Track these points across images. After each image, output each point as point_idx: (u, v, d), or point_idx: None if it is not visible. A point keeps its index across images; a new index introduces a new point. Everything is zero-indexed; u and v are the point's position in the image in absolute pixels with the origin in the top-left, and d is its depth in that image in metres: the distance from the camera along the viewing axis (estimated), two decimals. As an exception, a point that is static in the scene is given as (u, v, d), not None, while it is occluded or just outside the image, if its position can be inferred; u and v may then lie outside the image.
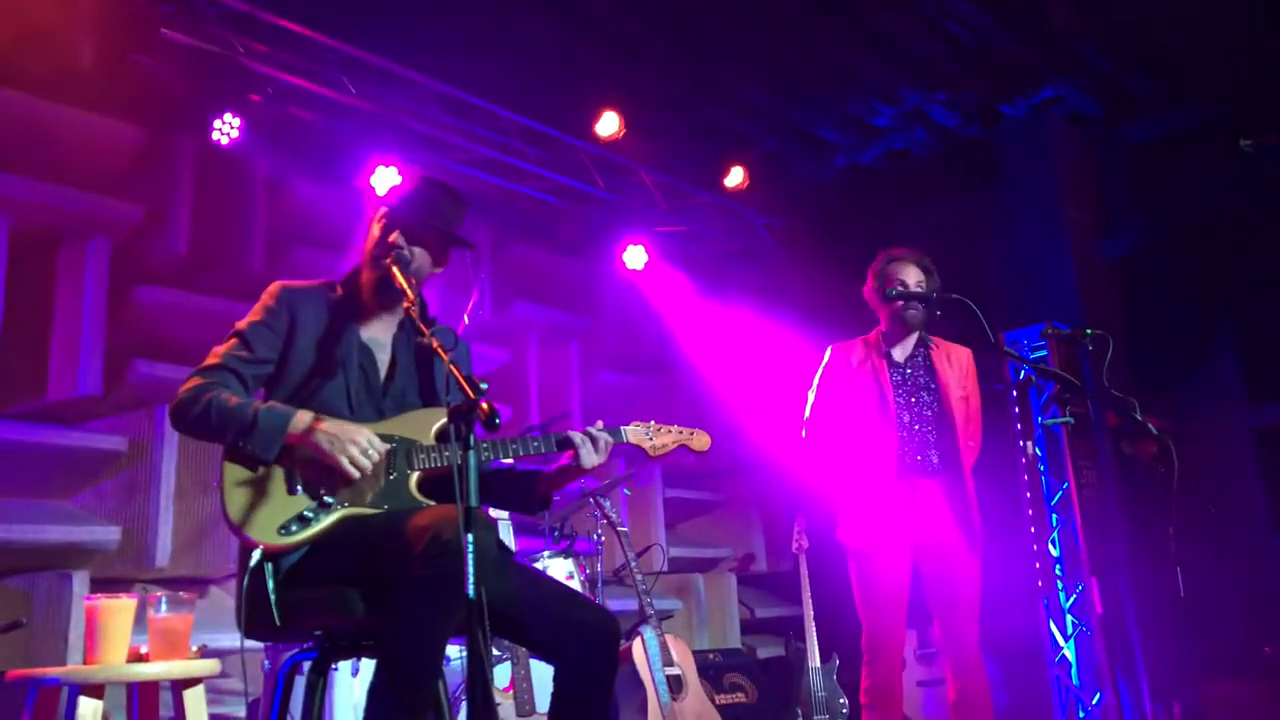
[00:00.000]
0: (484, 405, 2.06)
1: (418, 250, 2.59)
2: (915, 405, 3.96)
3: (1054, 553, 5.79)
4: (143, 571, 4.26)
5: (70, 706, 2.65)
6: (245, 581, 2.30)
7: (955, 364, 4.03)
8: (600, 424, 2.61)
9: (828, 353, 4.14)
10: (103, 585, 4.03)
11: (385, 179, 5.02)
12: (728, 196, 6.85)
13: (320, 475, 2.37)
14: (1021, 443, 5.83)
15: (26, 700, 2.69)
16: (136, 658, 2.84)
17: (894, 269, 3.97)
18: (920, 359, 4.03)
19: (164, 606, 2.87)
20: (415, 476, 2.47)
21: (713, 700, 4.89)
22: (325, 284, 2.64)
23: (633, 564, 4.74)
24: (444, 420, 2.46)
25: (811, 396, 4.13)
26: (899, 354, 4.04)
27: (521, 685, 4.14)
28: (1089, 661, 5.61)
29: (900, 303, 3.93)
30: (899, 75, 6.25)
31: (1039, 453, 5.89)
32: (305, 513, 2.36)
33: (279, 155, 4.88)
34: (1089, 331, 3.47)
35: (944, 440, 3.92)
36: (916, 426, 3.93)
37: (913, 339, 4.04)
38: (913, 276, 3.95)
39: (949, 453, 3.91)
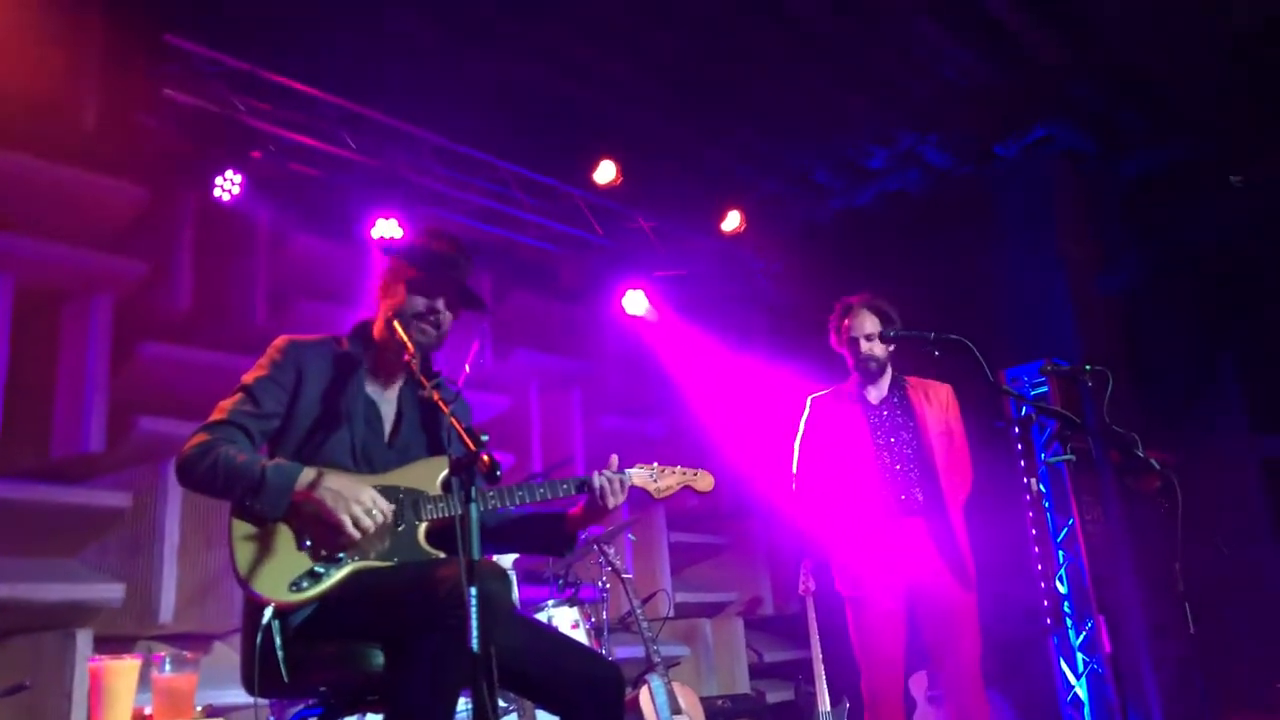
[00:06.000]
0: (485, 457, 2.07)
1: (447, 316, 2.62)
2: (894, 445, 3.98)
3: (1062, 590, 5.76)
4: (147, 628, 4.23)
5: (74, 769, 2.63)
6: (256, 639, 2.29)
7: (935, 400, 4.06)
8: (615, 462, 2.63)
9: (807, 405, 4.19)
10: (107, 643, 4.01)
11: (386, 231, 5.07)
12: (725, 240, 6.90)
13: (326, 532, 2.37)
14: (1025, 480, 5.82)
15: (30, 763, 2.67)
16: (141, 719, 2.83)
17: (848, 319, 4.05)
18: (896, 400, 4.06)
19: (168, 666, 2.86)
20: (424, 527, 2.48)
21: (722, 748, 4.83)
22: (331, 338, 2.66)
23: (638, 611, 4.71)
24: (447, 471, 2.48)
25: (797, 449, 4.17)
26: (874, 396, 4.08)
27: (529, 737, 4.10)
28: (1101, 700, 5.55)
29: (851, 353, 4.00)
30: (892, 117, 6.33)
31: (1043, 490, 5.87)
32: (316, 568, 2.35)
33: (280, 210, 4.94)
34: (1088, 368, 3.49)
35: (927, 478, 3.93)
36: (898, 467, 3.96)
37: (886, 380, 4.08)
38: (868, 325, 4.00)
39: (933, 491, 3.92)
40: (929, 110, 6.24)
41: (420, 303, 2.58)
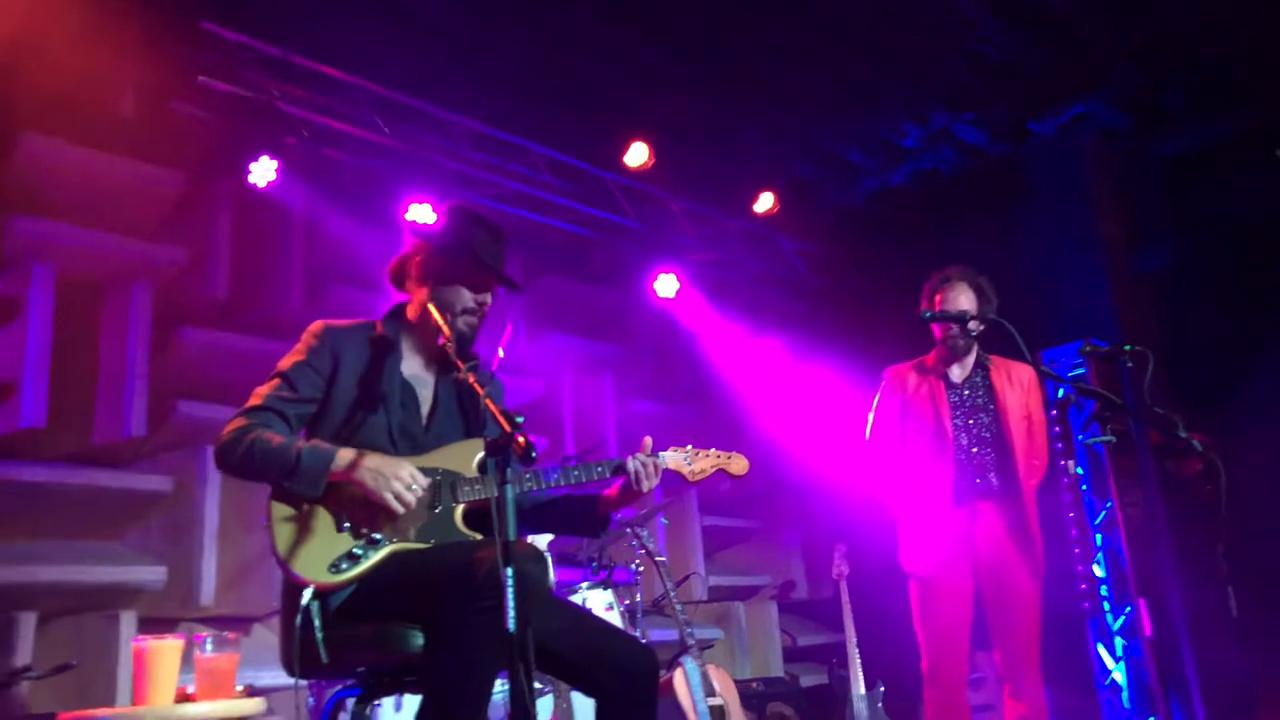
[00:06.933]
0: (520, 439, 2.08)
1: (487, 298, 2.64)
2: (973, 427, 3.90)
3: (1099, 573, 5.70)
4: (188, 610, 4.30)
5: (121, 747, 2.68)
6: (296, 620, 2.31)
7: (1016, 383, 3.95)
8: (649, 444, 2.64)
9: (885, 376, 4.10)
10: (150, 625, 4.08)
11: (419, 216, 5.10)
12: (758, 223, 6.86)
13: (365, 512, 2.39)
14: (1063, 462, 5.76)
15: (78, 741, 2.73)
16: (184, 698, 2.88)
17: (942, 291, 3.92)
18: (979, 380, 3.96)
19: (209, 646, 2.91)
20: (460, 509, 2.49)
21: (757, 730, 4.84)
22: (366, 323, 2.68)
23: (672, 594, 4.72)
24: (484, 453, 2.49)
25: (871, 420, 4.10)
26: (956, 375, 3.98)
27: (564, 719, 4.13)
28: (1140, 684, 5.50)
29: (941, 328, 3.90)
30: (925, 96, 6.26)
31: (1080, 472, 5.81)
32: (355, 550, 2.38)
33: (315, 196, 4.96)
34: (1128, 348, 3.43)
35: (1004, 462, 3.87)
36: (975, 449, 3.88)
37: (970, 359, 3.98)
38: (963, 300, 3.87)
39: (1009, 475, 3.86)
40: (963, 88, 6.15)
41: (470, 298, 2.60)
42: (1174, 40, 5.81)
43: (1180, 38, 5.78)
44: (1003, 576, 3.80)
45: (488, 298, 2.62)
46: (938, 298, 3.92)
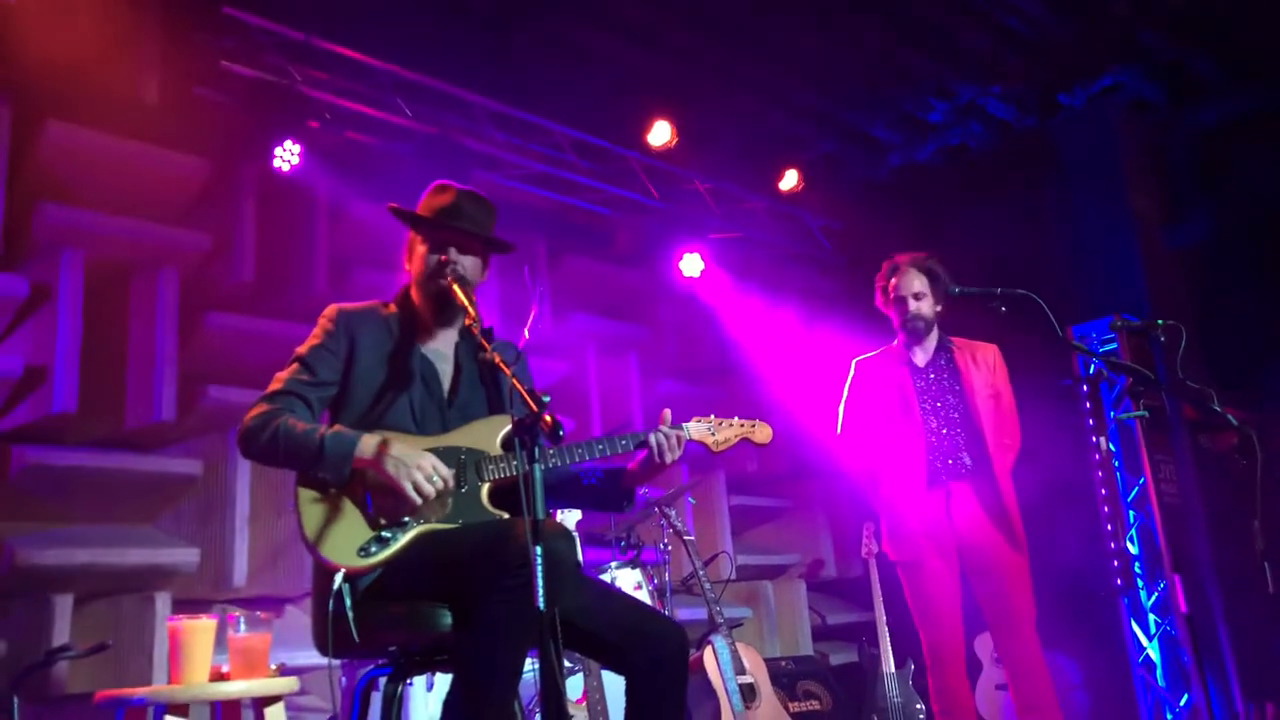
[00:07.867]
0: (547, 418, 2.08)
1: (468, 261, 2.61)
2: (941, 409, 3.94)
3: (1133, 550, 5.64)
4: (221, 592, 4.35)
5: (157, 726, 2.72)
6: (328, 603, 2.32)
7: (981, 363, 4.00)
8: (668, 417, 2.63)
9: (851, 367, 4.15)
10: (184, 606, 4.12)
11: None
12: (783, 200, 6.81)
13: (391, 496, 2.39)
14: (1094, 439, 5.70)
15: (115, 720, 2.77)
16: (218, 677, 2.91)
17: (896, 279, 3.98)
18: (943, 362, 4.01)
19: (243, 626, 2.94)
20: (487, 488, 2.49)
21: (787, 708, 4.85)
22: (379, 303, 2.68)
23: (700, 573, 4.72)
24: (508, 429, 2.49)
25: (841, 412, 4.14)
26: (920, 359, 4.02)
27: (594, 697, 4.14)
28: (1174, 661, 5.45)
29: (897, 313, 3.94)
30: (952, 70, 6.17)
31: (1113, 448, 5.74)
32: (383, 533, 2.38)
33: (338, 179, 4.97)
34: (1160, 322, 3.40)
35: (974, 442, 3.89)
36: (945, 430, 3.91)
37: (932, 342, 4.03)
38: (916, 285, 3.94)
39: (980, 454, 3.87)
40: (991, 61, 6.06)
41: (432, 261, 2.59)
42: (1205, 8, 5.69)
43: (1211, 5, 5.66)
44: (985, 555, 3.82)
45: (451, 253, 2.57)
46: (891, 284, 4.01)
